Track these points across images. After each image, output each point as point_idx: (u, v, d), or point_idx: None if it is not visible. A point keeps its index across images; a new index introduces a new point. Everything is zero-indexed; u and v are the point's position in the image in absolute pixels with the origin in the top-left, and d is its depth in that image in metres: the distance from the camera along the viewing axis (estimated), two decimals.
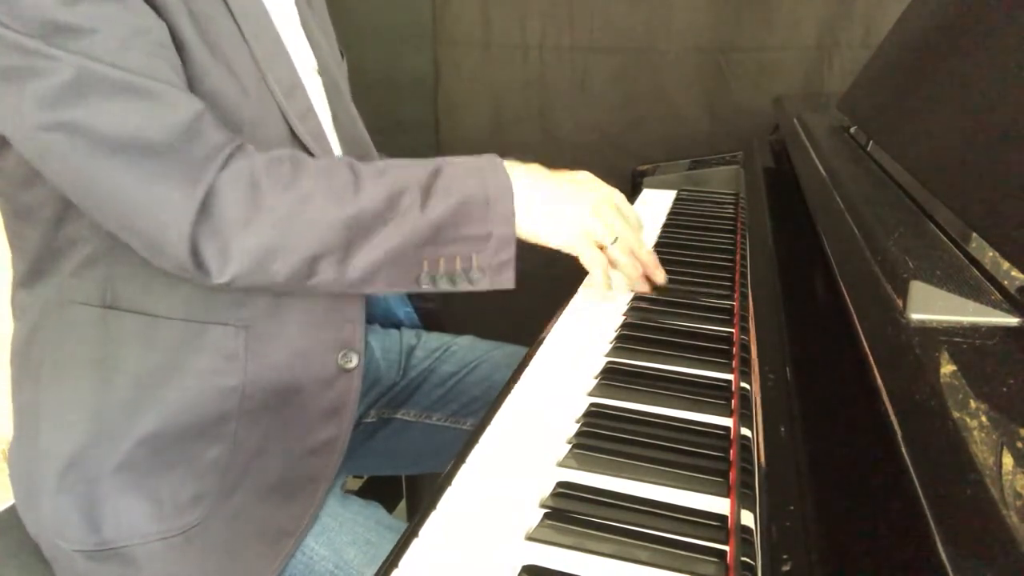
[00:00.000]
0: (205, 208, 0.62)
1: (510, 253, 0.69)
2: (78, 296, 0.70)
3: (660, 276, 0.82)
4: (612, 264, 0.77)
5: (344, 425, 0.75)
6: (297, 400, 0.73)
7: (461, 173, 0.69)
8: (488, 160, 0.71)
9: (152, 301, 0.69)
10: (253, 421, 0.72)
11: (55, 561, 0.74)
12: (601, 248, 0.76)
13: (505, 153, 1.56)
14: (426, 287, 0.68)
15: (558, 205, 0.73)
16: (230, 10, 0.68)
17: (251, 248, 0.64)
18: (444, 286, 0.69)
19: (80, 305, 0.70)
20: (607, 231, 0.75)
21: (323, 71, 0.83)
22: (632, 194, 1.31)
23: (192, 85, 0.65)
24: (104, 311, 0.70)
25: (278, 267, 0.65)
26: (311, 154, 0.72)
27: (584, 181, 0.78)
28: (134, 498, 0.70)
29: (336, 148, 0.82)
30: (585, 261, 0.75)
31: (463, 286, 0.69)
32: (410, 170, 0.69)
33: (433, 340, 1.02)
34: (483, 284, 0.69)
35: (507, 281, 0.70)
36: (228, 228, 0.63)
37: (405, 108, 1.63)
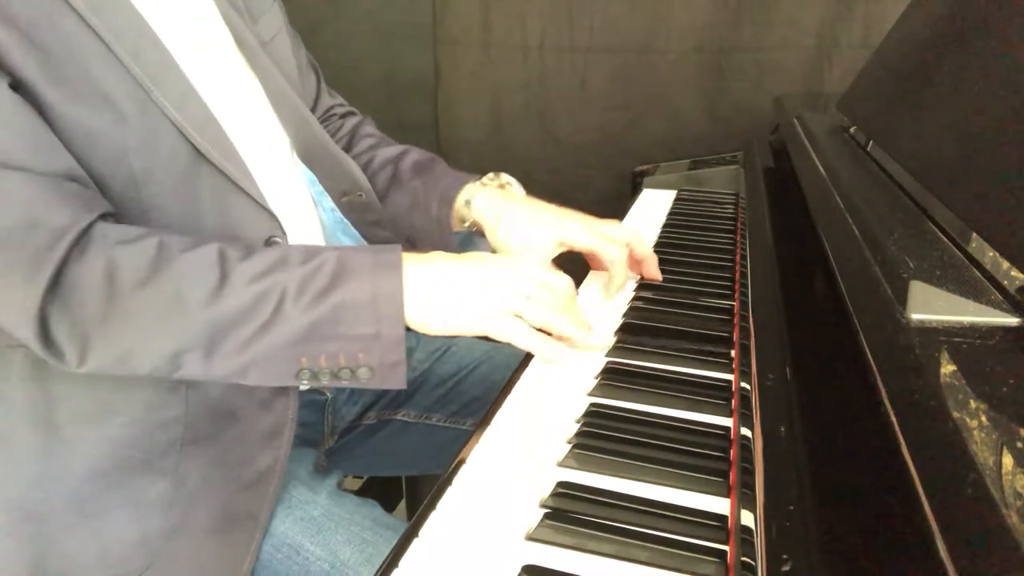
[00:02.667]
0: (57, 300, 0.59)
1: (400, 354, 0.64)
2: (14, 339, 0.68)
3: (594, 343, 0.72)
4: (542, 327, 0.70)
5: (282, 451, 0.73)
6: (236, 425, 0.72)
7: (348, 268, 0.64)
8: (384, 253, 0.66)
9: None
10: (194, 452, 0.71)
11: None
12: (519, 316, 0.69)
13: (505, 153, 1.57)
14: (307, 383, 0.65)
15: (446, 297, 0.67)
16: (100, 36, 0.61)
17: (108, 346, 0.61)
18: (327, 381, 0.65)
19: (17, 347, 0.68)
20: (507, 298, 0.68)
21: (241, 43, 0.77)
22: (632, 194, 1.31)
23: (57, 131, 0.60)
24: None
25: (138, 363, 0.63)
26: (216, 166, 0.68)
27: (479, 260, 0.71)
28: (81, 542, 0.70)
29: (274, 123, 0.80)
30: (505, 338, 0.69)
31: (349, 383, 0.65)
32: (288, 264, 0.64)
33: (433, 341, 1.02)
34: (373, 383, 0.65)
35: (398, 382, 0.65)
36: (85, 323, 0.60)
37: (405, 108, 1.63)
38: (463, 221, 0.89)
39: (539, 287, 0.69)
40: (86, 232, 0.60)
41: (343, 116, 1.02)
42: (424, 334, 0.67)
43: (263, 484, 0.73)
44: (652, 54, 1.51)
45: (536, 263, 0.73)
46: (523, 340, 0.69)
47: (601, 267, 0.87)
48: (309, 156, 0.84)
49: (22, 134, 0.59)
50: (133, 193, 0.65)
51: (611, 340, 0.73)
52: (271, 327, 0.62)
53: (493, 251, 0.86)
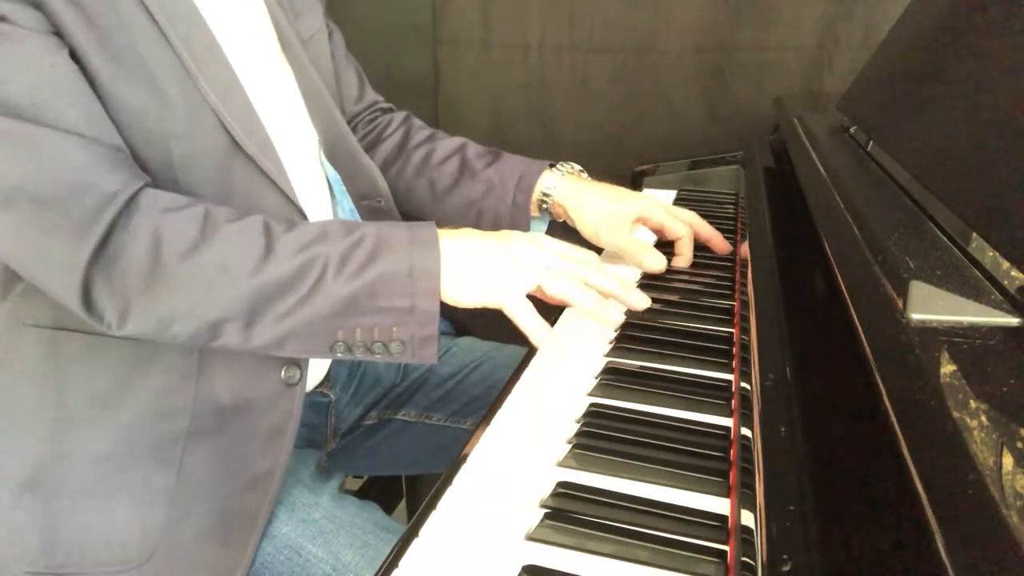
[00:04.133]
0: (102, 263, 0.60)
1: (433, 329, 0.66)
2: (29, 318, 0.70)
3: (637, 299, 0.75)
4: (563, 301, 0.72)
5: (283, 452, 0.73)
6: (242, 420, 0.72)
7: (387, 243, 0.66)
8: (421, 230, 0.68)
9: None
10: (199, 445, 0.71)
11: None
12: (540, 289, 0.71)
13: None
14: (341, 355, 0.66)
15: (475, 271, 0.69)
16: (154, 19, 0.64)
17: (151, 311, 0.62)
18: (361, 355, 0.66)
19: (31, 327, 0.70)
20: (528, 273, 0.70)
21: (283, 41, 0.79)
22: None
23: (106, 106, 0.62)
24: (54, 332, 0.70)
25: (178, 329, 0.63)
26: (252, 159, 0.69)
27: (508, 236, 0.73)
28: (88, 524, 0.70)
29: (305, 120, 0.80)
30: (509, 314, 0.70)
31: (382, 357, 0.67)
32: (330, 237, 0.66)
33: None
34: (404, 357, 0.66)
35: (429, 356, 0.67)
36: (128, 287, 0.61)
37: (405, 108, 1.62)
38: (541, 205, 0.94)
39: (560, 259, 0.72)
40: (134, 198, 0.62)
41: (386, 111, 1.05)
42: (456, 306, 0.69)
43: (264, 485, 0.73)
44: (652, 54, 1.51)
45: (558, 240, 0.75)
46: (524, 321, 0.70)
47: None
48: (335, 156, 0.86)
49: (77, 102, 0.61)
50: (169, 177, 0.66)
51: (619, 319, 0.75)
52: (311, 299, 0.64)
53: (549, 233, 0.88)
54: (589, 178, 0.97)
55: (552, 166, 0.95)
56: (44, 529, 0.70)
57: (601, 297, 0.72)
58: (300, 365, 0.74)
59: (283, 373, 0.73)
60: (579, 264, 0.72)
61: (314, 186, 0.83)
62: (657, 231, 0.94)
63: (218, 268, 0.62)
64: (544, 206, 0.94)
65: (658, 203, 0.93)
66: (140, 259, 0.61)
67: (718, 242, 0.94)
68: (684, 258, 0.91)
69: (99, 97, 0.62)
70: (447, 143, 0.99)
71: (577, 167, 0.97)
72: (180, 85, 0.65)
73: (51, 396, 0.70)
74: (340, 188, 0.87)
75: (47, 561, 0.70)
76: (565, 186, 0.93)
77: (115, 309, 0.62)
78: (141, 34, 0.63)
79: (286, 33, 0.79)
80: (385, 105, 1.05)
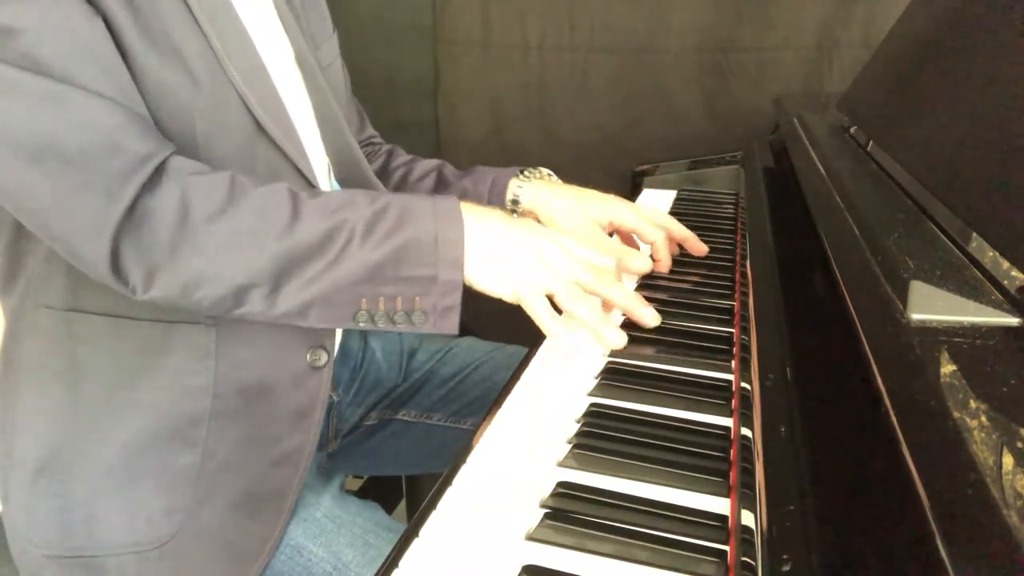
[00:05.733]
0: (131, 225, 0.60)
1: (456, 299, 0.66)
2: (44, 300, 0.70)
3: (648, 316, 0.72)
4: (568, 313, 0.70)
5: (312, 431, 0.74)
6: (267, 401, 0.72)
7: (412, 212, 0.66)
8: (444, 201, 0.68)
9: (115, 302, 0.68)
10: (224, 426, 0.71)
11: (24, 568, 0.74)
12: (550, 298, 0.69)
13: (505, 153, 1.56)
14: (364, 325, 0.66)
15: (501, 255, 0.68)
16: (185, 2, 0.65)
17: (177, 274, 0.62)
18: (383, 325, 0.66)
19: (46, 309, 0.70)
20: (552, 279, 0.68)
21: (301, 62, 0.80)
22: (632, 194, 1.31)
23: (134, 77, 0.63)
24: (69, 314, 0.69)
25: (203, 294, 0.63)
26: (275, 143, 0.70)
27: (535, 230, 0.72)
28: (107, 506, 0.70)
29: (317, 142, 0.81)
30: (529, 311, 0.69)
31: (404, 327, 0.66)
32: (356, 204, 0.66)
33: (435, 342, 1.02)
34: (426, 327, 0.66)
35: (451, 327, 0.67)
36: (155, 250, 0.61)
37: (405, 108, 1.62)
38: (511, 212, 0.93)
39: (585, 270, 0.70)
40: (164, 163, 0.62)
41: (375, 144, 1.05)
42: (469, 287, 0.68)
43: (292, 463, 0.73)
44: (652, 54, 1.51)
45: (584, 242, 0.74)
46: (544, 323, 0.69)
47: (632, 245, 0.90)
48: (347, 181, 0.86)
49: (109, 69, 0.61)
50: (193, 153, 0.66)
51: (624, 339, 0.71)
52: (337, 264, 0.64)
53: None
54: (559, 181, 0.96)
55: (521, 172, 0.94)
56: (61, 512, 0.70)
57: (607, 319, 0.70)
58: (327, 348, 0.74)
59: (308, 356, 0.73)
60: (600, 278, 0.70)
61: None
62: (629, 235, 0.91)
63: (246, 231, 0.63)
64: (514, 213, 0.93)
65: (629, 204, 0.90)
66: (168, 221, 0.61)
67: (693, 243, 0.91)
68: (662, 263, 0.88)
69: (128, 68, 0.62)
70: (425, 163, 1.00)
71: (546, 171, 0.96)
72: (206, 63, 0.66)
73: (65, 379, 0.70)
74: None
75: (65, 544, 0.70)
76: (533, 190, 0.92)
77: (141, 272, 0.62)
78: (169, 11, 0.64)
79: (305, 57, 0.80)
80: (378, 140, 1.06)
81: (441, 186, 0.96)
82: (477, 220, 0.68)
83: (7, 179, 0.60)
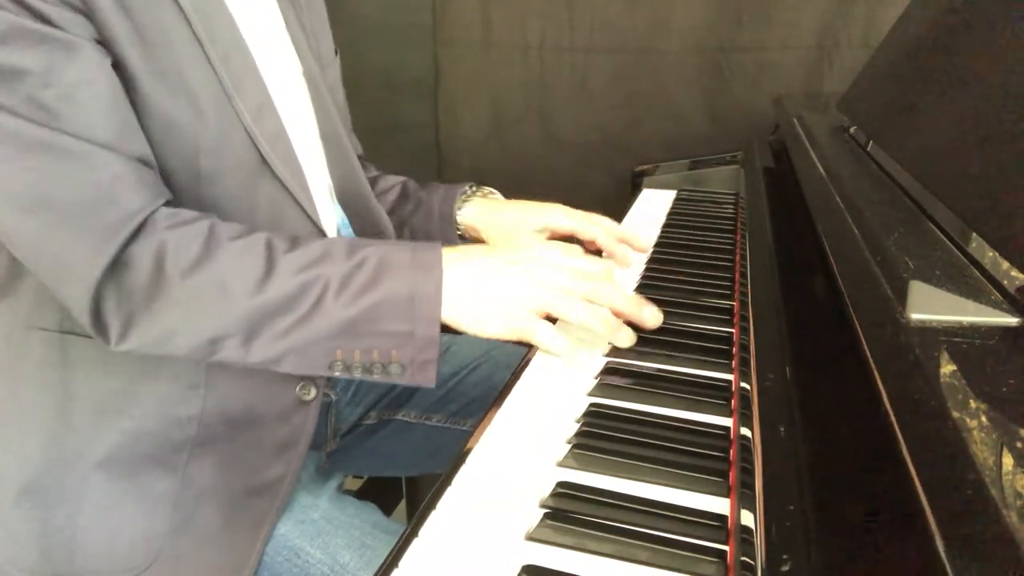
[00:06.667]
0: (112, 277, 0.61)
1: (432, 354, 0.66)
2: (37, 321, 0.70)
3: (650, 317, 0.72)
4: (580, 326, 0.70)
5: (294, 463, 0.73)
6: (252, 431, 0.72)
7: (389, 265, 0.65)
8: (425, 252, 0.67)
9: None
10: (205, 454, 0.71)
11: None
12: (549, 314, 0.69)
13: (505, 153, 1.57)
14: (339, 374, 0.66)
15: (485, 296, 0.67)
16: (196, 36, 0.65)
17: (152, 326, 0.63)
18: (359, 375, 0.66)
19: (39, 330, 0.70)
20: (547, 295, 0.68)
21: (309, 79, 0.80)
22: (632, 194, 1.31)
23: (140, 113, 0.63)
24: (62, 336, 0.70)
25: (178, 344, 0.64)
26: (279, 179, 0.70)
27: (521, 251, 0.71)
28: (88, 529, 0.70)
29: (321, 159, 0.81)
30: (530, 341, 0.69)
31: (381, 377, 0.66)
32: (333, 258, 0.66)
33: None
34: (403, 379, 0.66)
35: (428, 380, 0.66)
36: (132, 301, 0.62)
37: (405, 108, 1.62)
38: (456, 228, 0.95)
39: (575, 278, 0.69)
40: (150, 216, 0.63)
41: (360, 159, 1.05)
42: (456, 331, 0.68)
43: (272, 493, 0.73)
44: (652, 54, 1.51)
45: (570, 251, 0.73)
46: (550, 345, 0.69)
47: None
48: (347, 200, 0.86)
49: (112, 114, 0.61)
50: (195, 191, 0.67)
51: (634, 337, 0.72)
52: (310, 319, 0.64)
53: None
54: (501, 197, 0.98)
55: (470, 188, 0.97)
56: (43, 535, 0.70)
57: (618, 324, 0.70)
58: (316, 382, 0.74)
59: (298, 389, 0.73)
60: (594, 283, 0.70)
61: (327, 226, 0.83)
62: (569, 237, 0.90)
63: (218, 286, 0.63)
64: (459, 232, 0.95)
65: (564, 209, 0.92)
66: (144, 274, 0.62)
67: (635, 242, 0.92)
68: (619, 259, 0.89)
69: (135, 104, 0.63)
70: (391, 178, 1.02)
71: (488, 189, 0.99)
72: (215, 102, 0.66)
73: (55, 401, 0.70)
74: (348, 231, 0.88)
75: (46, 567, 0.70)
76: (471, 208, 0.95)
77: (118, 323, 0.62)
78: (182, 49, 0.64)
79: (313, 76, 0.80)
80: (359, 152, 1.07)
81: (401, 197, 0.99)
82: (459, 263, 0.67)
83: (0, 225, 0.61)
